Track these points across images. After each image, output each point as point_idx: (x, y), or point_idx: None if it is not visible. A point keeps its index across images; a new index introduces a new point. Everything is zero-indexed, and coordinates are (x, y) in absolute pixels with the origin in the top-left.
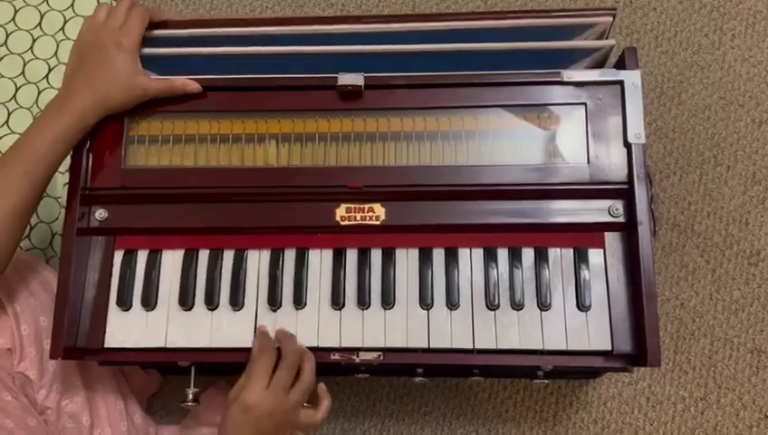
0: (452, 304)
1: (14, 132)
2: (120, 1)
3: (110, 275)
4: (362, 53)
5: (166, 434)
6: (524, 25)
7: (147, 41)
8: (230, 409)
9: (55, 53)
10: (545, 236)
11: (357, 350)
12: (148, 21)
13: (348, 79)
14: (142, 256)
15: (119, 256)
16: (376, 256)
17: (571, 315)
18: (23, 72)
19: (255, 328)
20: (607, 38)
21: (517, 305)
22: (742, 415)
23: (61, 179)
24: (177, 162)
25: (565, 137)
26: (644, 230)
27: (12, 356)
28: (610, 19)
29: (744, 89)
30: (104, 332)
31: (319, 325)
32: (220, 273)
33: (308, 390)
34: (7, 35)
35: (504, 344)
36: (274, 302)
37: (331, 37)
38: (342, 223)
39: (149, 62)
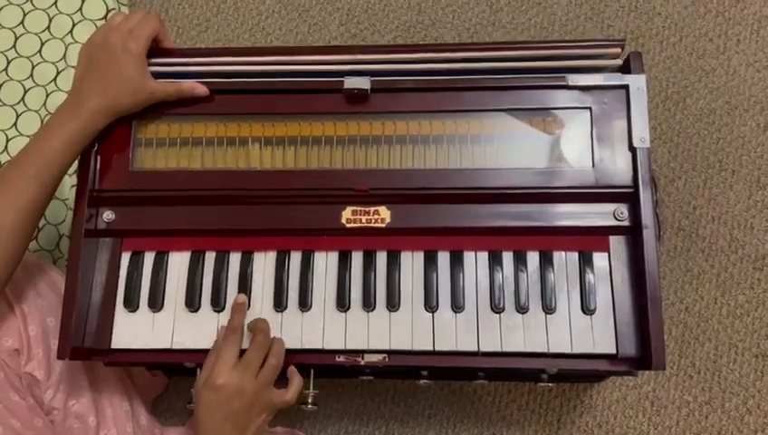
0: (457, 306)
1: (22, 135)
2: (135, 10)
3: (118, 276)
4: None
5: None
6: (533, 57)
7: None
8: (201, 392)
9: (63, 57)
10: (550, 239)
11: (362, 352)
12: (157, 27)
13: (354, 82)
14: (149, 258)
15: (126, 258)
16: (381, 258)
17: (576, 319)
18: (31, 75)
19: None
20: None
21: (522, 308)
22: (746, 420)
23: (68, 181)
24: (185, 165)
25: (570, 141)
26: (649, 234)
27: (19, 357)
28: (619, 51)
29: (749, 93)
30: (111, 333)
31: (324, 327)
32: (226, 275)
33: (277, 369)
34: (16, 39)
35: (509, 347)
36: (280, 304)
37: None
38: (348, 225)
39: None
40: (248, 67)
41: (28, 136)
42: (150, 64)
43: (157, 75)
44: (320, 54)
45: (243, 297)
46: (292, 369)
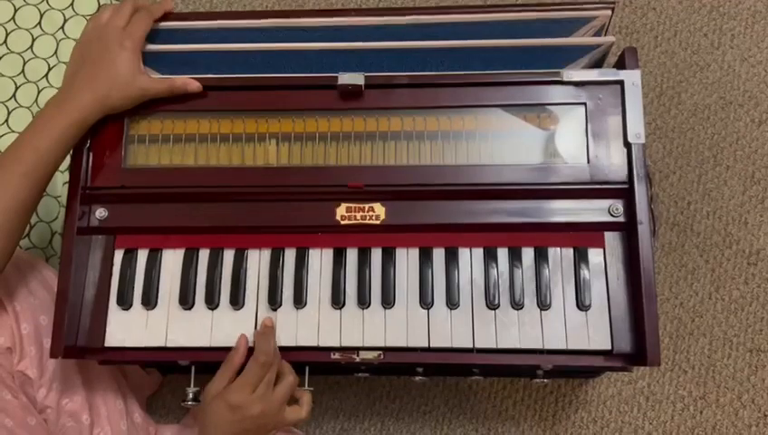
0: (452, 303)
1: (13, 131)
2: (125, 1)
3: (111, 274)
4: (360, 49)
5: (166, 433)
6: (523, 19)
7: (148, 35)
8: (215, 403)
9: (55, 52)
10: (545, 235)
11: (357, 349)
12: (152, 22)
13: (348, 78)
14: (142, 256)
15: (119, 256)
16: (376, 255)
17: (571, 315)
18: (22, 71)
19: (256, 327)
20: (605, 34)
21: (517, 305)
22: (741, 414)
23: (60, 178)
24: (178, 162)
25: (565, 137)
26: (644, 230)
27: (12, 355)
28: (609, 13)
29: (744, 89)
30: (104, 331)
31: (319, 325)
32: (220, 272)
33: (292, 387)
34: (7, 34)
35: (504, 344)
36: (275, 301)
37: (329, 31)
38: (343, 222)
39: (150, 60)
40: (244, 21)
41: (19, 132)
42: (158, 26)
43: (155, 54)
44: (315, 17)
45: (270, 320)
46: (298, 389)
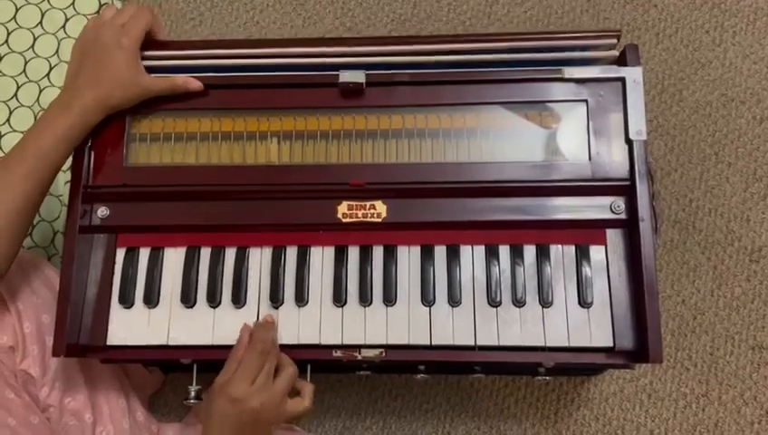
0: (454, 300)
1: (15, 131)
2: (127, 5)
3: (113, 272)
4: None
5: (168, 431)
6: (529, 48)
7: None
8: (217, 397)
9: (56, 52)
10: (547, 232)
11: (359, 347)
12: (150, 21)
13: (349, 76)
14: (144, 254)
15: (120, 254)
16: (377, 253)
17: (573, 312)
18: (24, 71)
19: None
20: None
21: (519, 302)
22: (743, 411)
23: (62, 178)
24: (179, 160)
25: (566, 134)
26: (645, 227)
27: (14, 354)
28: (615, 42)
29: (746, 86)
30: (106, 329)
31: (321, 323)
32: (222, 270)
33: (293, 378)
34: (8, 34)
35: (506, 341)
36: (276, 299)
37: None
38: (344, 220)
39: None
40: (243, 60)
41: (21, 132)
42: (144, 58)
43: (150, 69)
44: (314, 47)
45: (271, 317)
46: (300, 381)
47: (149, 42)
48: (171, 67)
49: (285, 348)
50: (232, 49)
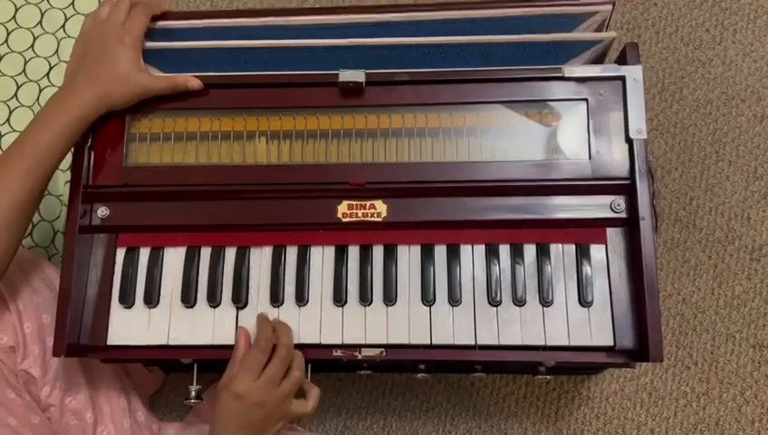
0: (454, 300)
1: (15, 130)
2: None
3: (113, 272)
4: (360, 45)
5: (169, 431)
6: (523, 14)
7: (148, 33)
8: (221, 395)
9: (56, 51)
10: (547, 232)
11: (359, 346)
12: (150, 18)
13: (349, 75)
14: (144, 254)
15: (121, 254)
16: (378, 252)
17: (573, 311)
18: (23, 71)
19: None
20: (606, 29)
21: (519, 301)
22: (744, 410)
23: (62, 177)
24: (179, 160)
25: (567, 133)
26: (646, 226)
27: (15, 354)
28: (609, 8)
29: (746, 84)
30: (107, 329)
31: (321, 322)
32: (222, 270)
33: (299, 382)
34: (8, 33)
35: (507, 340)
36: (277, 299)
37: (329, 29)
38: (344, 220)
39: (151, 58)
40: (246, 20)
41: (21, 131)
42: (156, 26)
43: (156, 51)
44: (316, 15)
45: (264, 314)
46: (307, 382)
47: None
48: (177, 30)
49: None
50: (235, 18)
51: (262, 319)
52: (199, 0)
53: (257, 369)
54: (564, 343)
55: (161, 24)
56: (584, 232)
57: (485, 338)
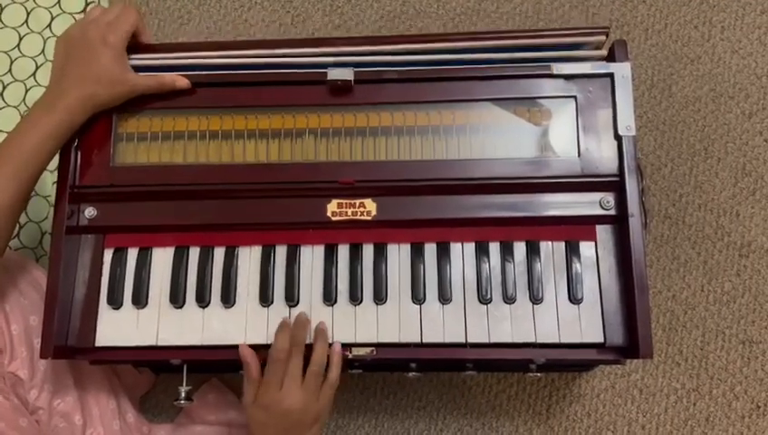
0: (444, 298)
1: (1, 131)
2: (114, 3)
3: (101, 273)
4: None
5: (159, 433)
6: (518, 46)
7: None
8: (249, 412)
9: (42, 51)
10: (537, 229)
11: (350, 345)
12: (136, 21)
13: (338, 73)
14: (132, 255)
15: (108, 255)
16: (367, 251)
17: (564, 308)
18: (9, 71)
19: (246, 325)
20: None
21: (509, 299)
22: (734, 406)
23: (50, 178)
24: (167, 159)
25: (556, 130)
26: (635, 223)
27: (2, 356)
28: (604, 39)
29: (734, 81)
30: (95, 331)
31: (312, 322)
32: (211, 270)
33: (336, 384)
34: None
35: (497, 338)
36: (266, 299)
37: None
38: (333, 219)
39: None
40: (230, 60)
41: (7, 132)
42: (130, 60)
43: (137, 70)
44: (303, 47)
45: (304, 315)
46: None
47: (135, 45)
48: (158, 67)
49: None
50: (219, 51)
51: (279, 330)
52: (185, 22)
53: (278, 380)
54: (555, 340)
55: (140, 63)
56: (574, 229)
57: (476, 336)
